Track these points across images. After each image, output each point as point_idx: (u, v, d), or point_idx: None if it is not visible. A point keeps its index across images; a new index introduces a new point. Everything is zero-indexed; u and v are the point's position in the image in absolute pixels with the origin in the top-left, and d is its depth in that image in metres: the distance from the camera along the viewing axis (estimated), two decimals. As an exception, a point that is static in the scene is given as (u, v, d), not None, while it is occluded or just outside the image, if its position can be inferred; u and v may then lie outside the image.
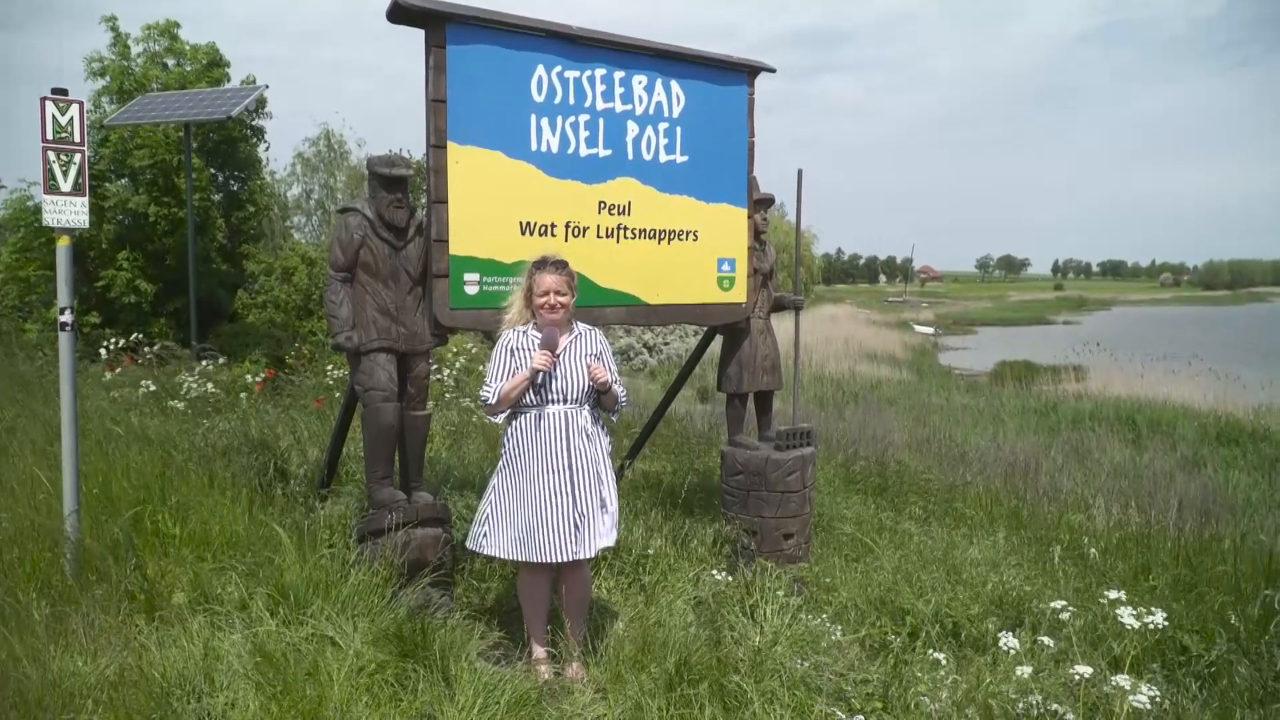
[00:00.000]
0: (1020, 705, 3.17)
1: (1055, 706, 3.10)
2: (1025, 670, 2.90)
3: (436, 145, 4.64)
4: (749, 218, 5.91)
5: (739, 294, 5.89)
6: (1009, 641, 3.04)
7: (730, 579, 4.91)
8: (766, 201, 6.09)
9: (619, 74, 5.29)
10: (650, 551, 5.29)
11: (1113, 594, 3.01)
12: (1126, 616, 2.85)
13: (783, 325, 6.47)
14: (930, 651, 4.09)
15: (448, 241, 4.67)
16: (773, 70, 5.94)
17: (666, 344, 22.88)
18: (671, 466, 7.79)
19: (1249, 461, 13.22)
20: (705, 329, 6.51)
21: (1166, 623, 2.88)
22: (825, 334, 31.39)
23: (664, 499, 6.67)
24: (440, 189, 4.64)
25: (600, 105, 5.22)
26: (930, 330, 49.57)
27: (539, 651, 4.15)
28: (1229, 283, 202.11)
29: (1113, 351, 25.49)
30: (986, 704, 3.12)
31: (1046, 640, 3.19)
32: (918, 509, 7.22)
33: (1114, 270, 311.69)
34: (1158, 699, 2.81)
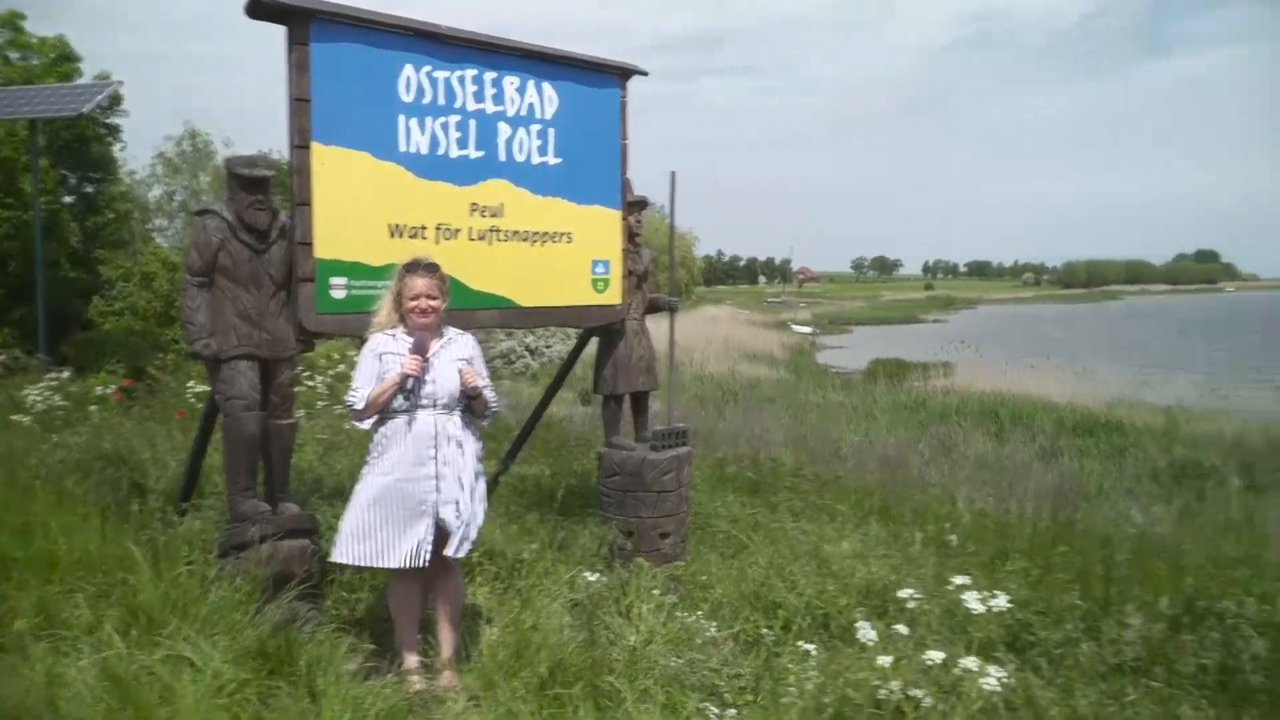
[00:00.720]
0: (882, 692, 3.27)
1: (914, 691, 3.20)
2: (886, 660, 3.00)
3: (300, 145, 4.52)
4: (623, 219, 5.93)
5: (613, 296, 5.91)
6: (866, 634, 3.13)
7: (607, 580, 4.92)
8: (640, 203, 6.13)
9: (490, 75, 5.25)
10: (526, 555, 5.25)
11: (959, 579, 3.13)
12: (972, 601, 2.98)
13: (662, 327, 6.50)
14: (801, 643, 4.19)
15: (312, 244, 4.54)
16: (645, 73, 5.98)
17: (549, 347, 22.77)
18: (550, 469, 7.76)
19: (1101, 451, 13.92)
20: (581, 331, 6.51)
21: (1011, 604, 3.01)
22: (706, 334, 31.74)
23: (542, 502, 6.64)
24: (304, 190, 4.52)
25: (471, 106, 5.17)
26: (808, 330, 50.83)
27: (410, 661, 4.06)
28: (1085, 281, 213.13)
29: (978, 348, 26.66)
30: (846, 693, 3.21)
31: (902, 629, 3.30)
32: (794, 504, 7.37)
33: (980, 270, 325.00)
34: (1005, 679, 2.94)
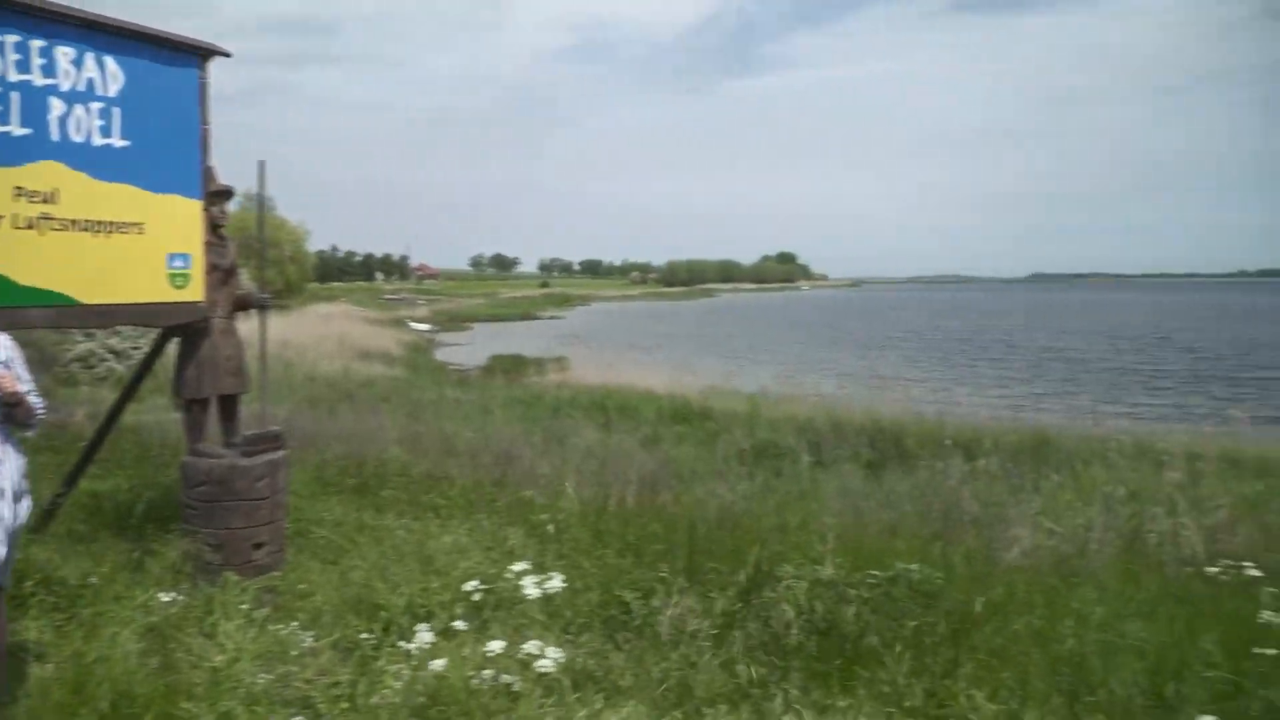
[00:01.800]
0: (475, 681, 3.35)
1: (505, 678, 3.32)
2: (467, 651, 3.07)
3: None
4: (205, 210, 5.53)
5: (195, 292, 5.48)
6: (424, 637, 3.19)
7: (189, 599, 4.57)
8: (225, 193, 5.74)
9: (38, 43, 4.68)
10: (93, 580, 4.72)
11: (518, 566, 3.29)
12: (529, 586, 3.15)
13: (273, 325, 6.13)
14: (401, 644, 4.16)
15: None
16: (227, 54, 5.62)
17: (136, 349, 20.53)
18: (129, 483, 7.03)
19: (695, 437, 15.20)
20: (160, 331, 5.96)
21: (565, 585, 3.22)
22: (319, 332, 30.45)
23: (119, 519, 6.01)
24: None
25: (14, 76, 4.58)
26: (426, 327, 50.54)
27: (-63, 716, 3.50)
28: (685, 280, 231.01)
29: (590, 344, 28.08)
30: (440, 687, 3.25)
31: (459, 624, 3.40)
32: (402, 504, 7.29)
33: (592, 269, 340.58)
34: (562, 660, 3.14)
